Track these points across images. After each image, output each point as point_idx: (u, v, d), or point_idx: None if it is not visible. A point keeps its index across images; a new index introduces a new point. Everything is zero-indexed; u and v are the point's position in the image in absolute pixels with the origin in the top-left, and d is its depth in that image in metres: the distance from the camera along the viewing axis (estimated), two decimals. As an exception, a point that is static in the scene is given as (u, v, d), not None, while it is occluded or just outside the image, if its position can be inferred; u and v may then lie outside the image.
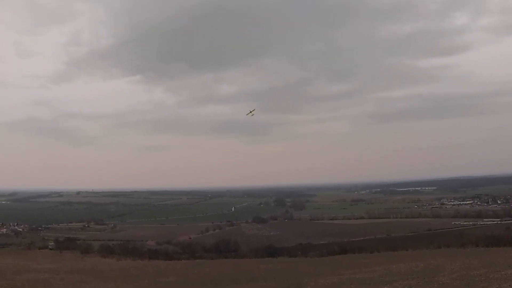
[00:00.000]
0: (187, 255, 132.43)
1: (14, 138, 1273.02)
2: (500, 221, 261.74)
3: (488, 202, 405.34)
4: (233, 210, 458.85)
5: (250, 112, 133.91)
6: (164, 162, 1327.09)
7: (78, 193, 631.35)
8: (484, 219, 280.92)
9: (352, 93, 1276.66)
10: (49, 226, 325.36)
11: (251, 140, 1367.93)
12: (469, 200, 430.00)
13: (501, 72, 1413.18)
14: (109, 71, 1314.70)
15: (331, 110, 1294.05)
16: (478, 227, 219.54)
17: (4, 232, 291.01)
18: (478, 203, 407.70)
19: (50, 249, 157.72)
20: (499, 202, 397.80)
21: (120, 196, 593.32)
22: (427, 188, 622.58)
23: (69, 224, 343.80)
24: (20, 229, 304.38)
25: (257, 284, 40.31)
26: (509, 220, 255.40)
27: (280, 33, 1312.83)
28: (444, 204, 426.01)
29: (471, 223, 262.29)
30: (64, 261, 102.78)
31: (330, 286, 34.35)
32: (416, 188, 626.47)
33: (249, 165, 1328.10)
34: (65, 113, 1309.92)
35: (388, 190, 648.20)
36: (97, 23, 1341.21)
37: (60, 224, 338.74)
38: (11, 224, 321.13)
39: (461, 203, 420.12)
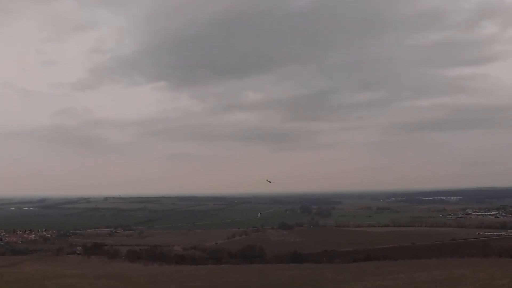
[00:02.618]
0: (214, 260, 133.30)
1: (41, 146, 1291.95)
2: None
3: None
4: (259, 216, 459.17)
5: (269, 181, 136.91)
6: (190, 168, 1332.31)
7: (106, 199, 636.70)
8: (509, 230, 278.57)
9: (378, 102, 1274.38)
10: (76, 232, 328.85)
11: (277, 148, 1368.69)
12: (494, 211, 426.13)
13: None
14: (133, 78, 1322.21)
15: (357, 119, 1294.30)
16: (502, 238, 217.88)
17: (33, 238, 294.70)
18: (503, 214, 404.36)
19: (78, 254, 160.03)
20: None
21: (147, 202, 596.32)
22: (452, 197, 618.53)
23: (96, 229, 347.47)
24: (48, 235, 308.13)
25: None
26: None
27: (307, 42, 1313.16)
28: (469, 214, 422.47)
29: (495, 233, 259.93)
30: (91, 266, 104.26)
31: (353, 292, 35.17)
32: (442, 198, 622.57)
33: (275, 172, 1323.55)
34: (91, 120, 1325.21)
35: (413, 198, 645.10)
36: (120, 30, 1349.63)
37: (87, 230, 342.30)
38: (39, 231, 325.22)
39: (486, 213, 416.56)
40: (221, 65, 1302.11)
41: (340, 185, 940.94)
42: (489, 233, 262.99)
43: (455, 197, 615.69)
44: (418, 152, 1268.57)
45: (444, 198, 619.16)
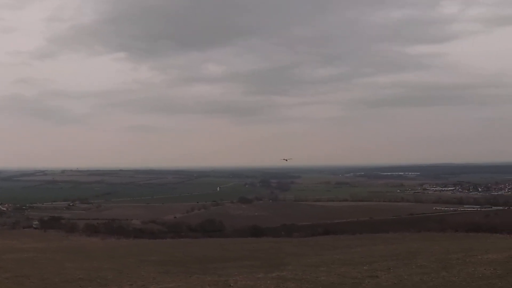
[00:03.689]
0: (173, 234, 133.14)
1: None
2: (480, 208, 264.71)
3: (469, 189, 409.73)
4: (218, 190, 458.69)
5: (285, 159, 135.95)
6: (150, 141, 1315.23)
7: (63, 171, 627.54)
8: (465, 206, 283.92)
9: (340, 78, 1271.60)
10: (33, 205, 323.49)
11: (238, 121, 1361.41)
12: (451, 187, 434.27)
13: (489, 64, 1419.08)
14: (93, 48, 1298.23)
15: (319, 94, 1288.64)
16: (458, 213, 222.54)
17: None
18: (460, 190, 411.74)
19: (35, 228, 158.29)
20: (480, 190, 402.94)
21: (106, 175, 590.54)
22: (410, 173, 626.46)
23: (53, 203, 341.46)
24: (4, 209, 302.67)
25: (242, 262, 41.20)
26: (488, 208, 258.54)
27: (268, 15, 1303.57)
28: (426, 189, 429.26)
29: (452, 209, 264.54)
30: (49, 240, 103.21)
31: (312, 265, 35.32)
32: (400, 173, 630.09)
33: (236, 146, 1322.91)
34: (50, 90, 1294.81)
35: (372, 174, 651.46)
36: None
37: (44, 203, 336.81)
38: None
39: (443, 189, 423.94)
40: (183, 36, 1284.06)
41: (299, 160, 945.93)
42: (446, 208, 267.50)
43: (413, 173, 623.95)
44: (378, 128, 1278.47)
45: (402, 173, 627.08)
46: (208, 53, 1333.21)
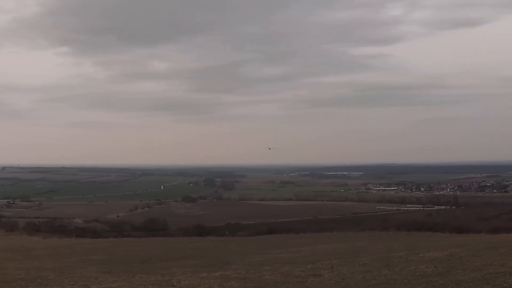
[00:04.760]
0: (116, 233, 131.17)
1: None
2: (422, 207, 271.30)
3: (412, 189, 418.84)
4: (162, 188, 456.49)
5: (269, 148, 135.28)
6: (94, 137, 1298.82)
7: (3, 168, 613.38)
8: (408, 205, 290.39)
9: (286, 77, 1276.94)
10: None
11: (184, 119, 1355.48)
12: (394, 187, 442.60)
13: (431, 65, 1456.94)
14: (35, 42, 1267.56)
15: (265, 92, 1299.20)
16: (401, 213, 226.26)
17: None
18: (403, 189, 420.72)
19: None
20: (422, 189, 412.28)
21: (48, 172, 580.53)
22: (354, 173, 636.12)
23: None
24: None
25: (186, 262, 40.81)
26: (431, 207, 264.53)
27: (216, 12, 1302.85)
28: (370, 189, 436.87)
29: (395, 208, 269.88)
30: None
31: (255, 264, 35.26)
32: (344, 173, 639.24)
33: (181, 144, 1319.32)
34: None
35: (316, 173, 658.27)
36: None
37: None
38: None
39: (386, 188, 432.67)
40: (128, 32, 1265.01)
41: (245, 159, 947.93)
42: (389, 208, 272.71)
43: (357, 172, 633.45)
44: (323, 128, 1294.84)
45: (346, 173, 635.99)
46: (153, 50, 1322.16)
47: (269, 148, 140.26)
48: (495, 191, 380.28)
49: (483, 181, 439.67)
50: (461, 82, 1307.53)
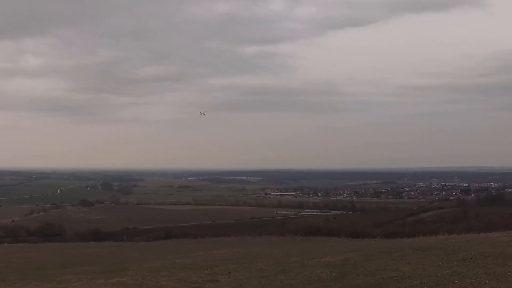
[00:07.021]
0: (10, 239, 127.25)
1: None
2: (319, 212, 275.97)
3: (309, 194, 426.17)
4: (58, 192, 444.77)
5: (202, 113, 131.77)
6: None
7: None
8: (305, 210, 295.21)
9: (171, 77, 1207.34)
10: None
11: (75, 121, 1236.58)
12: (292, 192, 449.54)
13: (321, 69, 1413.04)
14: None
15: (150, 94, 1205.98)
16: (299, 217, 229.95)
17: None
18: (300, 195, 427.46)
19: None
20: (319, 195, 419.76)
21: None
22: (252, 178, 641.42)
23: None
24: None
25: (82, 268, 39.96)
26: (327, 212, 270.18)
27: (84, 3, 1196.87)
28: (268, 194, 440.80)
29: (292, 213, 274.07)
30: None
31: (153, 270, 34.95)
32: (242, 178, 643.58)
33: (75, 147, 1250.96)
34: None
35: (215, 178, 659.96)
36: None
37: None
38: None
39: (284, 194, 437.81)
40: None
41: (141, 162, 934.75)
42: (287, 212, 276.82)
43: (255, 178, 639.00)
44: (218, 132, 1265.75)
45: (245, 178, 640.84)
46: (23, 43, 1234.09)
47: (203, 113, 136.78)
48: (390, 197, 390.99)
49: (379, 187, 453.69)
50: (352, 90, 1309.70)
